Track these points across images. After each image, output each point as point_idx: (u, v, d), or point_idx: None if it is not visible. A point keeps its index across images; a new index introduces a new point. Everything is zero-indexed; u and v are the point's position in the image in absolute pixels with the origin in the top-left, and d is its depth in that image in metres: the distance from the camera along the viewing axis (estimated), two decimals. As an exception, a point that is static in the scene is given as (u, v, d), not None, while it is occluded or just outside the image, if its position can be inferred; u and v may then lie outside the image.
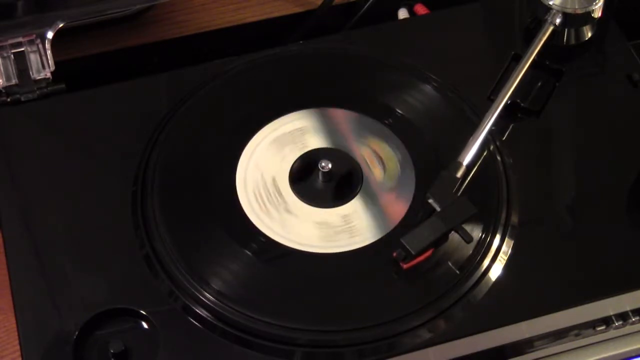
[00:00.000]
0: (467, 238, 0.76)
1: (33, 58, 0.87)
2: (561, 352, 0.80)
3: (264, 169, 0.82)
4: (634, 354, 0.82)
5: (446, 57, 0.88)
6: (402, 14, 0.99)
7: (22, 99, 0.86)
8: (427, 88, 0.86)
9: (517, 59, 0.86)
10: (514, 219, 0.79)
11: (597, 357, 0.81)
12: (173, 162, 0.82)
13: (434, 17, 0.95)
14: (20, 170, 0.82)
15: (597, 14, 0.87)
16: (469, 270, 0.76)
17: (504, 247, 0.77)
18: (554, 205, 0.81)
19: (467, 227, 0.76)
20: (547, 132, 0.85)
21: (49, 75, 0.87)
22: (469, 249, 0.77)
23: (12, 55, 0.87)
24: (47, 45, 0.88)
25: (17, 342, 0.75)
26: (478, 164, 0.81)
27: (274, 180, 0.82)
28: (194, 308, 0.75)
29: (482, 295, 0.75)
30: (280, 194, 0.81)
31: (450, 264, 0.76)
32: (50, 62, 0.87)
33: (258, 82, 0.87)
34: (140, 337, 0.74)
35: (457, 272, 0.76)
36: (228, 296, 0.75)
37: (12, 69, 0.87)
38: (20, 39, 0.87)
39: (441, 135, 0.83)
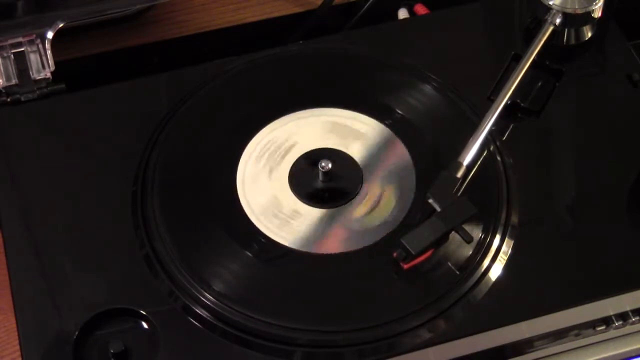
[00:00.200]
0: (467, 238, 0.76)
1: (33, 58, 0.87)
2: (561, 352, 0.80)
3: (264, 169, 0.82)
4: (634, 354, 0.82)
5: (446, 57, 0.88)
6: (402, 14, 0.99)
7: (22, 99, 0.86)
8: (427, 88, 0.86)
9: (517, 59, 0.86)
10: (514, 219, 0.79)
11: (597, 357, 0.81)
12: (173, 162, 0.82)
13: (434, 17, 0.95)
14: (20, 170, 0.82)
15: (597, 14, 0.87)
16: (469, 270, 0.76)
17: (504, 247, 0.77)
18: (554, 205, 0.81)
19: (467, 227, 0.76)
20: (547, 132, 0.85)
21: (49, 75, 0.87)
22: (469, 249, 0.77)
23: (12, 55, 0.87)
24: (47, 45, 0.88)
25: (17, 342, 0.75)
26: (478, 164, 0.80)
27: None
28: (194, 308, 0.75)
29: (482, 295, 0.75)
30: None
31: (450, 264, 0.76)
32: (50, 62, 0.87)
33: (258, 82, 0.87)
34: (140, 337, 0.74)
35: (457, 272, 0.76)
36: (228, 296, 0.75)
37: (12, 69, 0.87)
38: (20, 39, 0.87)
39: (441, 136, 0.83)
